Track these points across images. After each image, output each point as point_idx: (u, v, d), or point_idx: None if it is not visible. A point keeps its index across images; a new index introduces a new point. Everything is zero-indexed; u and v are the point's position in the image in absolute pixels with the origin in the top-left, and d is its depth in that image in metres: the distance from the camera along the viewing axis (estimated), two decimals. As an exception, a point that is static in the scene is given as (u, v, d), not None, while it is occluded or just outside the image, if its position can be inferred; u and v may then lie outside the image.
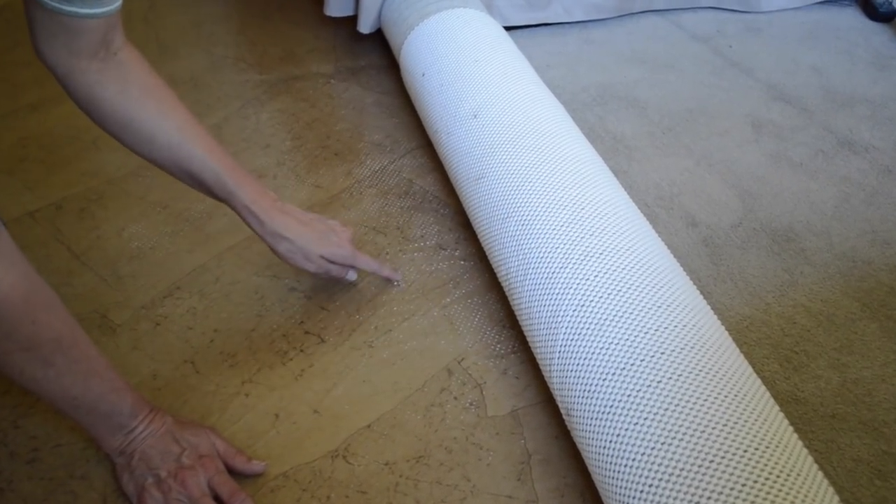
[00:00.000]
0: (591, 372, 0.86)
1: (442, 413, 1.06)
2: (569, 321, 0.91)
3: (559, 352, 0.91)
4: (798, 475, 0.73)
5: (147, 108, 0.98)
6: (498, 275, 1.11)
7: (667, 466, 0.75)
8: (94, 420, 0.90)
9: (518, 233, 1.04)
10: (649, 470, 0.76)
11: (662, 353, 0.82)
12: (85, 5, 0.84)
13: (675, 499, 0.74)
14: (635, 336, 0.85)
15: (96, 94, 0.94)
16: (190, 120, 1.05)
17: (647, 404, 0.80)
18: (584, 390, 0.86)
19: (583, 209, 1.00)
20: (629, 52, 1.91)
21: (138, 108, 0.97)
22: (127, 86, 0.96)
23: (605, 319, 0.88)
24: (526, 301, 1.00)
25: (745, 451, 0.73)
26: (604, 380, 0.84)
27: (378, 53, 1.84)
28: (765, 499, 0.70)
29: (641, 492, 0.77)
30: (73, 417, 0.88)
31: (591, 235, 0.96)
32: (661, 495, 0.75)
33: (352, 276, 1.19)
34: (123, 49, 0.95)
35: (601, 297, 0.90)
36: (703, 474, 0.73)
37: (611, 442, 0.82)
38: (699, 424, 0.76)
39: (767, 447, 0.74)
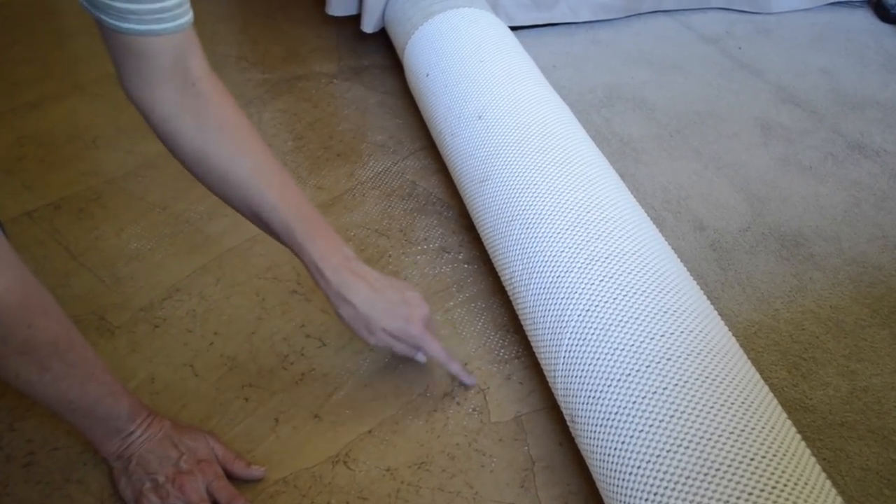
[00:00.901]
0: (596, 378, 0.86)
1: (444, 418, 1.06)
2: (573, 326, 0.91)
3: (564, 357, 0.91)
4: (806, 484, 0.72)
5: (223, 145, 0.94)
6: (502, 278, 1.11)
7: (672, 474, 0.75)
8: (90, 424, 0.90)
9: (523, 236, 1.04)
10: (655, 478, 0.76)
11: (668, 359, 0.82)
12: (142, 22, 0.83)
13: (680, 507, 0.74)
14: (641, 341, 0.85)
15: (172, 127, 0.92)
16: (266, 161, 0.99)
17: (652, 411, 0.80)
18: (589, 396, 0.86)
19: (588, 212, 1.00)
20: (636, 53, 1.91)
21: (214, 144, 0.93)
22: (204, 119, 0.93)
23: (611, 324, 0.88)
24: (530, 305, 1.00)
25: (753, 460, 0.73)
26: (609, 386, 0.84)
27: (382, 53, 1.84)
28: (772, 508, 0.70)
29: (647, 500, 0.77)
30: (70, 421, 0.88)
31: (596, 239, 0.96)
32: (666, 504, 0.75)
33: (420, 358, 1.08)
34: (204, 80, 0.94)
35: (606, 301, 0.90)
36: (710, 483, 0.73)
37: (616, 449, 0.81)
38: (706, 432, 0.76)
39: (775, 455, 0.74)
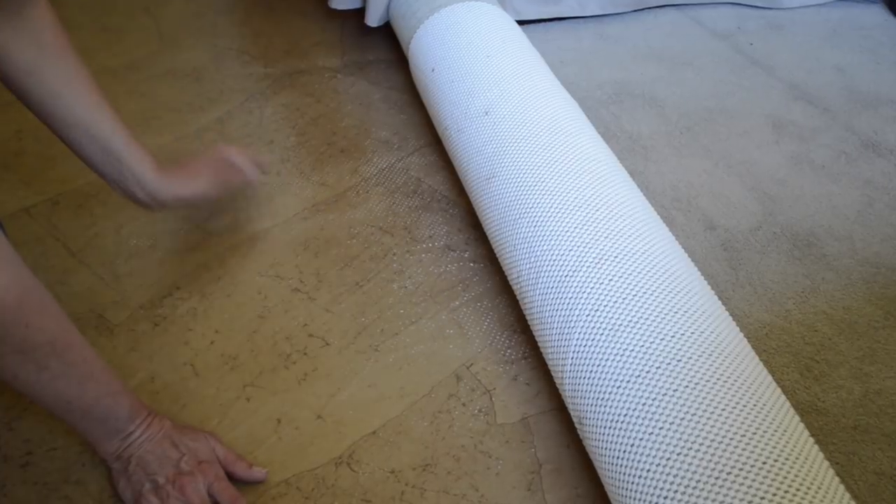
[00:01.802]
0: (604, 379, 0.86)
1: (450, 420, 1.06)
2: (582, 326, 0.91)
3: (572, 358, 0.91)
4: (819, 488, 0.72)
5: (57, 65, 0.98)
6: (509, 278, 1.11)
7: (682, 478, 0.75)
8: (89, 424, 0.90)
9: (530, 234, 1.04)
10: (664, 482, 0.76)
11: (679, 361, 0.82)
12: None
13: (691, 511, 0.74)
14: (651, 342, 0.85)
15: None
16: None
17: (662, 413, 0.80)
18: (598, 398, 0.86)
19: (597, 210, 1.00)
20: (646, 49, 1.91)
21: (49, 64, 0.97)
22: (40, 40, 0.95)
23: (620, 325, 0.88)
24: (538, 305, 1.00)
25: (765, 463, 0.73)
26: (618, 387, 0.84)
27: (386, 47, 1.84)
28: (784, 513, 0.70)
29: (656, 504, 0.77)
30: (69, 421, 0.88)
31: (605, 238, 0.96)
32: (676, 508, 0.75)
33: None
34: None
35: (615, 301, 0.90)
36: (721, 486, 0.73)
37: (625, 452, 0.81)
38: (717, 435, 0.76)
39: (787, 459, 0.74)
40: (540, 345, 1.02)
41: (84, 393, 0.86)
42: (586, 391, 0.88)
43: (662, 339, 0.84)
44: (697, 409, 0.78)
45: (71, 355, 0.84)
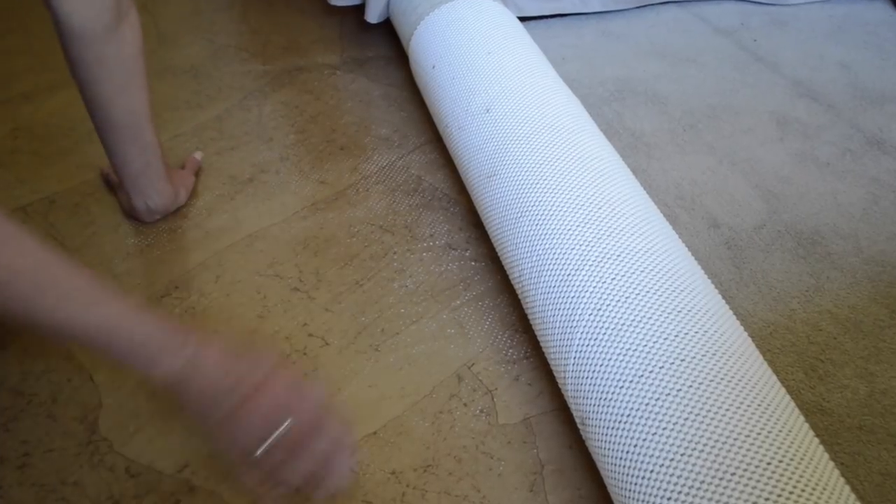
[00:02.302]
0: (607, 379, 0.86)
1: (451, 420, 1.06)
2: (584, 326, 0.91)
3: (574, 357, 0.91)
4: (824, 489, 0.72)
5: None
6: (510, 276, 1.11)
7: (686, 479, 0.75)
8: (123, 354, 0.81)
9: (532, 233, 1.04)
10: (668, 482, 0.76)
11: (682, 360, 0.82)
12: None
13: (694, 512, 0.74)
14: (654, 342, 0.85)
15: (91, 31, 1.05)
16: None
17: (665, 413, 0.80)
18: (600, 398, 0.86)
19: (600, 209, 1.00)
20: (649, 45, 1.91)
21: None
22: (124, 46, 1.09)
23: (623, 324, 0.88)
24: (539, 304, 1.00)
25: (769, 464, 0.73)
26: (621, 387, 0.84)
27: (386, 44, 1.85)
28: (789, 513, 0.70)
29: (659, 505, 0.77)
30: (104, 357, 0.82)
31: (608, 236, 0.96)
32: (680, 509, 0.75)
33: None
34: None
35: (618, 300, 0.90)
36: (725, 487, 0.73)
37: (628, 452, 0.81)
38: (720, 435, 0.76)
39: (792, 460, 0.74)
40: (542, 344, 1.02)
41: (94, 318, 0.80)
42: (589, 391, 0.88)
43: (666, 339, 0.84)
44: (701, 409, 0.78)
45: (62, 284, 0.79)
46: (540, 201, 1.05)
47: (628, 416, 0.82)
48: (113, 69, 1.09)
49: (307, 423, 0.85)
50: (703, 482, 0.74)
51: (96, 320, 0.80)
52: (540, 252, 1.01)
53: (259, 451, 0.82)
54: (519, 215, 1.07)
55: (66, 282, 0.80)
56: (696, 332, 0.85)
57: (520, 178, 1.09)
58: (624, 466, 0.82)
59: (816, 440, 0.79)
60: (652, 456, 0.79)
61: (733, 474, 0.73)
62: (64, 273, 0.80)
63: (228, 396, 0.83)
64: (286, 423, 0.83)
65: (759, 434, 0.76)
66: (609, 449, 0.84)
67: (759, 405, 0.78)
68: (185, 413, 0.85)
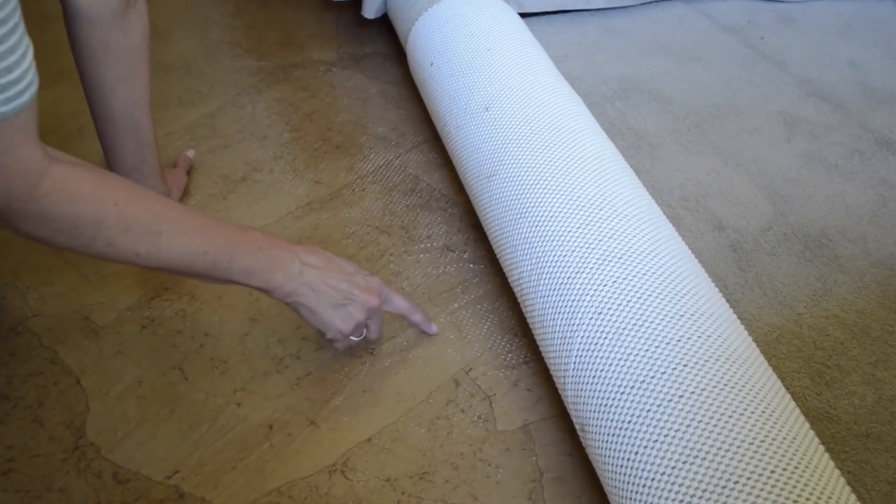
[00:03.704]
0: (608, 385, 0.86)
1: (448, 426, 1.06)
2: (585, 330, 0.91)
3: (574, 362, 0.91)
4: (829, 498, 0.72)
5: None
6: (509, 279, 1.11)
7: (689, 487, 0.75)
8: (240, 271, 0.94)
9: (531, 234, 1.04)
10: (670, 490, 0.76)
11: (685, 366, 0.82)
12: None
13: (696, 522, 0.74)
14: (656, 347, 0.85)
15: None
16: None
17: (667, 420, 0.80)
18: (601, 404, 0.86)
19: (601, 210, 1.00)
20: (653, 43, 1.91)
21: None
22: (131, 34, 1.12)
23: (624, 328, 0.88)
24: (539, 308, 1.00)
25: (773, 472, 0.73)
26: (622, 393, 0.84)
27: (384, 40, 1.85)
28: (793, 523, 0.70)
29: (661, 514, 0.77)
30: (218, 278, 0.94)
31: (609, 238, 0.96)
32: (681, 518, 0.75)
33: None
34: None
35: (620, 304, 0.90)
36: (728, 496, 0.73)
37: (629, 460, 0.81)
38: (723, 442, 0.76)
39: (797, 468, 0.74)
40: (541, 349, 1.02)
41: (213, 241, 0.91)
42: (589, 397, 0.88)
43: (668, 344, 0.84)
44: (704, 415, 0.78)
45: (174, 210, 0.89)
46: (540, 202, 1.05)
47: (629, 422, 0.82)
48: (117, 56, 1.10)
49: (376, 310, 1.06)
50: (705, 490, 0.74)
51: (217, 242, 0.92)
52: (540, 254, 1.01)
53: (356, 338, 1.08)
54: (518, 216, 1.07)
55: (180, 213, 0.90)
56: (700, 337, 0.85)
57: (519, 178, 1.09)
58: (625, 474, 0.82)
59: (822, 448, 0.79)
60: (653, 463, 0.79)
61: (736, 482, 0.73)
62: (176, 207, 0.90)
63: (331, 295, 1.01)
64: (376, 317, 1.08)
65: (763, 441, 0.76)
66: (610, 456, 0.84)
67: (763, 412, 0.78)
68: (300, 314, 1.03)
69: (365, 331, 1.09)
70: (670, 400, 0.80)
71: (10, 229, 0.79)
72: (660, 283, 0.91)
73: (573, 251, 0.97)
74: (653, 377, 0.83)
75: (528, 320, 1.06)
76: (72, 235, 0.81)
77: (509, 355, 1.15)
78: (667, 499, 0.76)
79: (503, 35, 1.35)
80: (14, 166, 0.74)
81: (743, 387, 0.80)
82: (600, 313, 0.90)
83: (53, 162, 0.79)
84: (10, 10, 0.67)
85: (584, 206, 1.01)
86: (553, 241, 1.00)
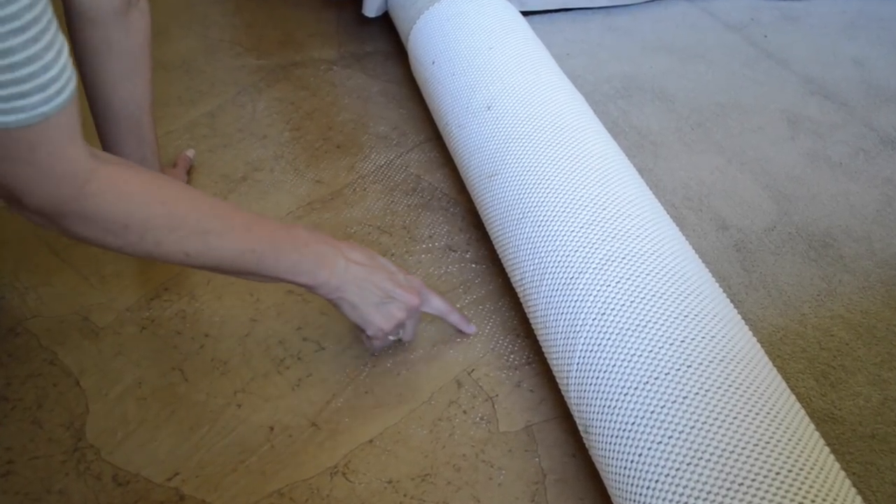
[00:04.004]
0: (611, 386, 0.86)
1: (450, 428, 1.06)
2: (588, 330, 0.91)
3: (577, 363, 0.91)
4: (835, 500, 0.72)
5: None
6: (512, 279, 1.11)
7: (693, 489, 0.75)
8: (288, 271, 0.96)
9: (534, 235, 1.04)
10: (674, 492, 0.76)
11: (689, 367, 0.82)
12: None
13: (701, 524, 0.74)
14: (660, 347, 0.85)
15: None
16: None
17: (671, 421, 0.80)
18: (604, 405, 0.86)
19: (604, 209, 1.00)
20: (656, 41, 1.91)
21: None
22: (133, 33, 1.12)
23: (628, 329, 0.88)
24: (542, 308, 1.00)
25: (778, 474, 0.73)
26: (625, 394, 0.84)
27: (385, 39, 1.85)
28: (799, 525, 0.70)
29: (665, 516, 0.77)
30: (271, 275, 0.95)
31: (612, 238, 0.96)
32: (686, 520, 0.75)
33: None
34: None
35: (623, 304, 0.90)
36: (733, 497, 0.73)
37: (632, 461, 0.81)
38: (728, 444, 0.76)
39: (801, 469, 0.74)
40: (544, 349, 1.02)
41: (259, 238, 0.92)
42: (592, 398, 0.88)
43: (672, 344, 0.84)
44: (708, 417, 0.78)
45: (221, 208, 0.89)
46: (543, 202, 1.05)
47: (633, 423, 0.82)
48: (118, 54, 1.10)
49: (416, 310, 1.07)
50: (710, 492, 0.74)
51: (264, 238, 0.93)
52: (542, 254, 1.01)
53: (393, 337, 1.10)
54: (521, 216, 1.07)
55: (228, 211, 0.91)
56: (704, 338, 0.85)
57: (522, 177, 1.09)
58: (628, 476, 0.82)
59: (827, 449, 0.79)
60: (658, 465, 0.79)
61: (741, 484, 0.73)
62: (222, 205, 0.91)
63: (374, 293, 1.02)
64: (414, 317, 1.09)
65: (767, 443, 0.75)
66: (613, 458, 0.84)
67: (768, 413, 0.78)
68: (343, 311, 1.04)
69: (401, 331, 1.10)
70: (674, 401, 0.80)
71: (60, 231, 0.80)
72: (663, 284, 0.91)
73: (576, 251, 0.97)
74: (657, 378, 0.83)
75: (531, 321, 1.06)
76: (121, 235, 0.81)
77: (512, 356, 1.15)
78: (671, 501, 0.76)
79: (505, 33, 1.35)
80: (61, 168, 0.74)
81: (747, 388, 0.80)
82: (604, 314, 0.90)
83: (100, 162, 0.79)
84: (42, 7, 0.67)
85: (587, 206, 1.01)
86: (556, 240, 1.00)
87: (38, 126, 0.70)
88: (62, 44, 0.70)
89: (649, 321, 0.87)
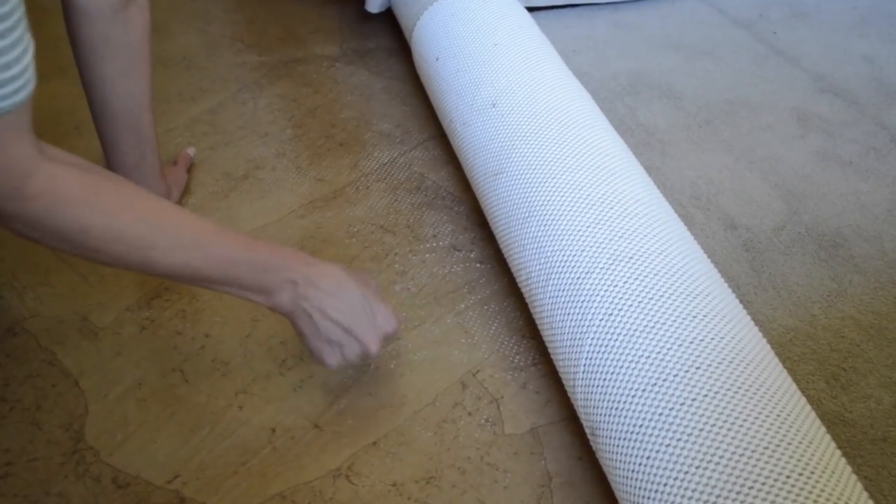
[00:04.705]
0: (618, 387, 0.86)
1: (455, 430, 1.06)
2: (595, 331, 0.91)
3: (584, 365, 0.91)
4: (846, 504, 0.72)
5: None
6: (517, 279, 1.11)
7: (702, 492, 0.75)
8: (241, 284, 0.94)
9: (540, 234, 1.04)
10: (682, 496, 0.76)
11: (698, 368, 0.82)
12: None
13: (710, 528, 0.74)
14: (668, 349, 0.85)
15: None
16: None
17: (680, 423, 0.79)
18: (611, 407, 0.86)
19: (611, 208, 1.00)
20: (663, 38, 1.91)
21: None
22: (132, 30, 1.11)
23: (635, 330, 0.88)
24: (548, 309, 1.00)
25: (788, 477, 0.73)
26: (633, 396, 0.84)
27: (388, 35, 1.85)
28: (810, 530, 0.70)
29: (673, 520, 0.77)
30: (222, 291, 0.94)
31: (620, 237, 0.96)
32: (695, 524, 0.75)
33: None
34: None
35: (631, 305, 0.90)
36: (743, 501, 0.73)
37: (640, 465, 0.81)
38: (737, 447, 0.76)
39: (812, 473, 0.74)
40: (550, 351, 1.02)
41: (209, 257, 0.89)
42: (600, 400, 0.88)
43: (680, 345, 0.84)
44: (717, 419, 0.78)
45: (173, 223, 0.87)
46: (549, 201, 1.05)
47: (641, 426, 0.82)
48: (116, 50, 1.10)
49: (372, 356, 1.00)
50: (719, 496, 0.74)
51: (212, 258, 0.90)
52: (549, 254, 1.01)
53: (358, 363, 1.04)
54: (527, 215, 1.07)
55: (177, 226, 0.88)
56: (713, 339, 0.85)
57: (528, 176, 1.09)
58: (636, 479, 0.82)
59: (838, 452, 0.79)
60: (666, 468, 0.79)
61: (751, 488, 0.73)
62: (173, 218, 0.88)
63: (331, 329, 0.97)
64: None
65: (778, 446, 0.75)
66: (620, 461, 0.84)
67: (778, 415, 0.78)
68: (299, 333, 0.99)
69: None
70: (682, 403, 0.80)
71: (5, 228, 0.79)
72: (671, 284, 0.91)
73: (583, 251, 0.97)
74: (665, 380, 0.83)
75: (537, 321, 1.06)
76: (61, 239, 0.80)
77: (517, 357, 1.15)
78: (679, 504, 0.76)
79: (510, 30, 1.35)
80: (1, 163, 0.74)
81: (757, 390, 0.80)
82: (611, 314, 0.90)
83: (45, 162, 0.78)
84: (12, 6, 0.67)
85: (593, 205, 1.01)
86: (562, 240, 1.00)
87: None
88: (28, 43, 0.70)
89: (657, 322, 0.87)
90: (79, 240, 0.80)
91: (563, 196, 1.04)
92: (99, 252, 0.82)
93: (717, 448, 0.76)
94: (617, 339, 0.88)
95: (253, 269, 0.93)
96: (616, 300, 0.91)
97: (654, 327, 0.87)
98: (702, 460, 0.77)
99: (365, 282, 1.02)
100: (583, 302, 0.94)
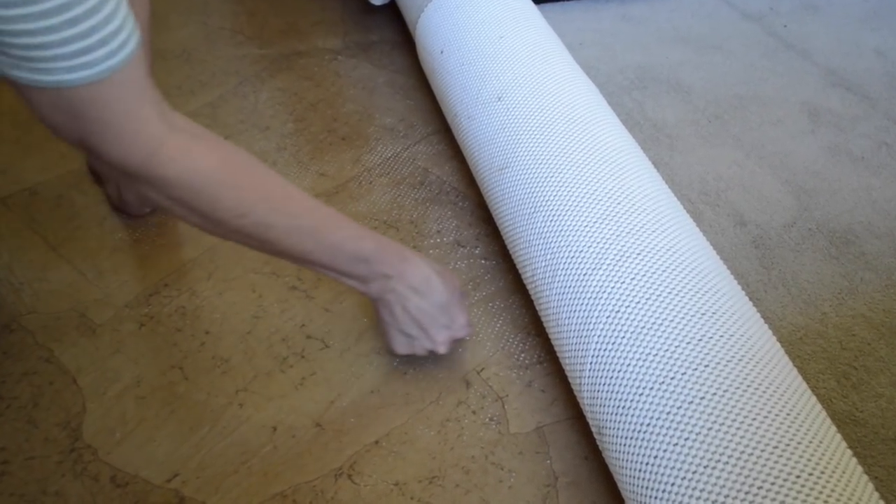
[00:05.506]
0: (626, 386, 0.86)
1: (458, 429, 1.06)
2: (602, 329, 0.91)
3: (590, 363, 0.91)
4: (857, 504, 0.72)
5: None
6: (523, 276, 1.11)
7: (710, 492, 0.75)
8: (342, 271, 1.01)
9: (546, 229, 1.04)
10: (690, 496, 0.76)
11: (706, 366, 0.82)
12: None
13: (718, 528, 0.74)
14: (676, 346, 0.85)
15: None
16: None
17: (688, 422, 0.79)
18: (619, 406, 0.86)
19: (619, 204, 1.00)
20: (672, 31, 1.90)
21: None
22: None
23: (643, 327, 0.88)
24: (554, 306, 1.00)
25: (799, 477, 0.73)
26: (640, 395, 0.84)
27: (391, 27, 1.85)
28: (820, 530, 0.70)
29: (681, 520, 0.77)
30: (322, 272, 1.00)
31: (627, 233, 0.96)
32: (703, 524, 0.75)
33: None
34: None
35: (638, 302, 0.90)
36: (752, 502, 0.72)
37: (647, 464, 0.81)
38: (746, 446, 0.76)
39: (823, 472, 0.74)
40: (556, 348, 1.02)
41: (319, 243, 0.95)
42: (606, 398, 0.88)
43: (689, 343, 0.84)
44: (726, 418, 0.78)
45: (293, 205, 0.92)
46: (555, 196, 1.05)
47: (648, 425, 0.82)
48: None
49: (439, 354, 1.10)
50: (727, 496, 0.74)
51: (323, 245, 0.96)
52: (554, 250, 1.01)
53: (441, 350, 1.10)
54: (532, 211, 1.07)
55: (298, 210, 0.94)
56: (722, 336, 0.85)
57: (533, 171, 1.09)
58: (643, 479, 0.82)
59: (849, 452, 0.79)
60: (673, 468, 0.79)
61: (760, 487, 0.73)
62: (296, 201, 0.94)
63: (406, 323, 1.06)
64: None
65: (787, 445, 0.75)
66: (627, 460, 0.84)
67: (787, 414, 0.78)
68: (378, 318, 1.09)
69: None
70: (691, 402, 0.80)
71: (140, 194, 0.82)
72: (680, 281, 0.91)
73: (589, 247, 0.97)
74: (673, 378, 0.83)
75: (543, 318, 1.06)
76: (189, 208, 0.83)
77: (522, 355, 1.15)
78: (687, 504, 0.76)
79: (516, 22, 1.34)
80: (132, 128, 0.75)
81: (767, 388, 0.80)
82: (618, 311, 0.90)
83: (174, 129, 0.79)
84: None
85: (600, 200, 1.01)
86: (568, 236, 1.00)
87: (104, 83, 0.70)
88: None
89: (665, 319, 0.87)
90: (206, 210, 0.83)
91: (569, 191, 1.04)
92: (220, 225, 0.86)
93: (726, 447, 0.76)
94: (624, 337, 0.88)
95: (356, 260, 1.00)
96: (623, 297, 0.91)
97: (661, 324, 0.87)
98: (710, 460, 0.77)
99: (452, 285, 1.09)
100: (589, 299, 0.94)
